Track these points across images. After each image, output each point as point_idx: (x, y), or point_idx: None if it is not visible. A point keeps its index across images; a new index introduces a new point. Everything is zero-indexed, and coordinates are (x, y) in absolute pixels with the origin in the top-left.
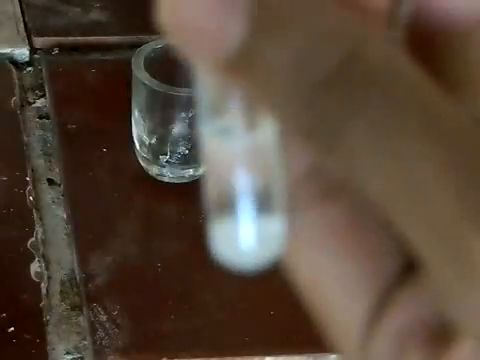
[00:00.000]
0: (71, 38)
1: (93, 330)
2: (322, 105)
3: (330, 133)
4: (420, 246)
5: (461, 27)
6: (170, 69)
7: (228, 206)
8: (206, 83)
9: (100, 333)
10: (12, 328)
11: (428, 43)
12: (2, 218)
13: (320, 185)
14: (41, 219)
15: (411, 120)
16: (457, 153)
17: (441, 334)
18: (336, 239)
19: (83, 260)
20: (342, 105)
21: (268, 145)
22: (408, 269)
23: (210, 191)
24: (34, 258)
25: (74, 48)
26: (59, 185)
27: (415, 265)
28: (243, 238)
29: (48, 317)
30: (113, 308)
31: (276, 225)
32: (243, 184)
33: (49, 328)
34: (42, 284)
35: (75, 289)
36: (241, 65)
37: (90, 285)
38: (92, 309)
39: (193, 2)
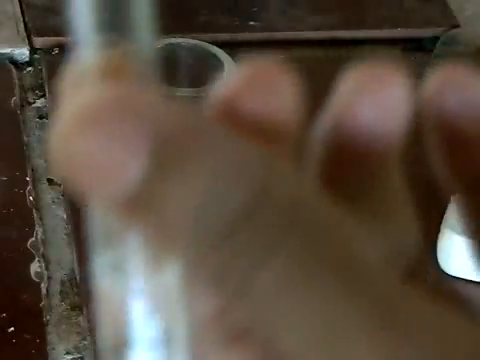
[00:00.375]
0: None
1: (93, 330)
2: (229, 251)
3: (238, 280)
4: None
5: (379, 146)
6: (170, 69)
7: (124, 349)
8: (101, 215)
9: None
10: (12, 328)
11: (347, 166)
12: (2, 218)
13: (226, 329)
14: (41, 219)
15: (322, 268)
16: (369, 301)
17: None
18: None
19: (83, 260)
20: (250, 251)
21: (168, 287)
22: None
23: (104, 331)
24: (34, 258)
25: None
26: (59, 185)
27: None
28: None
29: (48, 317)
30: None
31: None
32: (139, 326)
33: (49, 328)
34: (42, 284)
35: (75, 289)
36: (139, 205)
37: (90, 285)
38: (92, 309)
39: (88, 133)
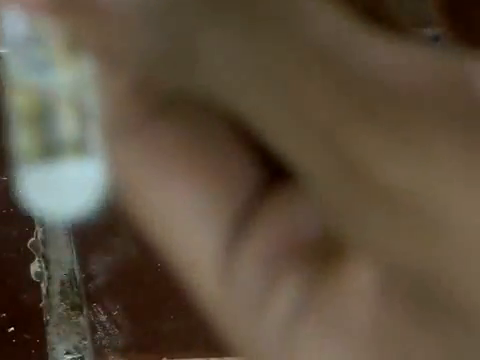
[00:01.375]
0: None
1: (93, 330)
2: (175, 22)
3: (187, 52)
4: (299, 157)
5: None
6: None
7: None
8: (17, 17)
9: (100, 333)
10: (12, 328)
11: None
12: (2, 218)
13: (147, 103)
14: (41, 219)
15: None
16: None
17: (322, 250)
18: (177, 159)
19: (83, 260)
20: (191, 20)
21: (83, 82)
22: (270, 183)
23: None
24: (34, 258)
25: None
26: None
27: (280, 178)
28: (56, 185)
29: (48, 317)
30: (113, 308)
31: (95, 168)
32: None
33: (49, 328)
34: (42, 284)
35: (75, 289)
36: (67, 5)
37: (90, 285)
38: (92, 309)
39: None
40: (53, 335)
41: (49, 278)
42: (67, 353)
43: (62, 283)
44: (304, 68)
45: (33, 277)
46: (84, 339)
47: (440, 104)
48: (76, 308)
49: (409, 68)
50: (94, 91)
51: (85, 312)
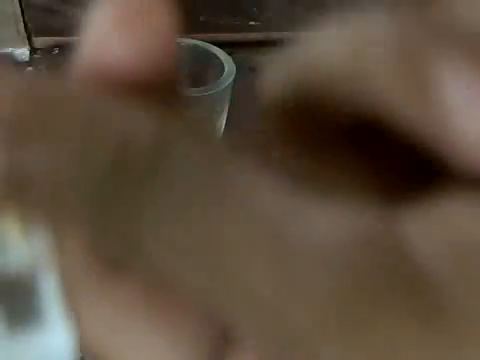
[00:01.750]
0: (71, 38)
1: None
2: (106, 208)
3: (126, 237)
4: (240, 321)
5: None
6: None
7: None
8: None
9: None
10: None
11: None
12: None
13: (102, 261)
14: None
15: (194, 192)
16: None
17: None
18: (138, 308)
19: None
20: (123, 199)
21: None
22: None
23: None
24: None
25: (74, 48)
26: None
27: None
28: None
29: None
30: None
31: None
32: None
33: None
34: None
35: None
36: (8, 184)
37: None
38: None
39: None
40: None
41: None
42: None
43: None
44: (245, 246)
45: None
46: None
47: (379, 278)
48: None
49: (345, 238)
50: (52, 260)
51: None
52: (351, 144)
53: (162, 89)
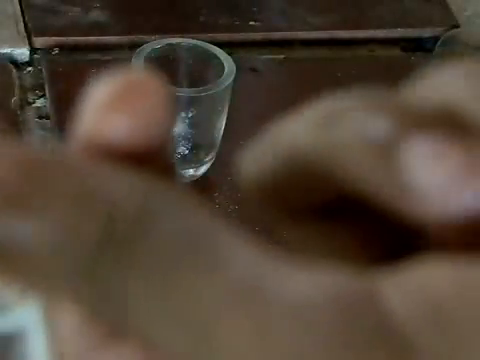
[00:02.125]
0: (71, 38)
1: None
2: (95, 276)
3: (114, 300)
4: None
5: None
6: (170, 69)
7: None
8: None
9: None
10: None
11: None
12: None
13: (100, 330)
14: None
15: (178, 264)
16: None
17: None
18: None
19: None
20: (114, 271)
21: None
22: None
23: None
24: None
25: (74, 48)
26: None
27: None
28: None
29: None
30: None
31: None
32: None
33: None
34: None
35: None
36: (1, 259)
37: None
38: None
39: None
40: None
41: None
42: None
43: None
44: (224, 310)
45: None
46: None
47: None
48: None
49: (323, 299)
50: (50, 327)
51: None
52: (333, 214)
53: (155, 162)
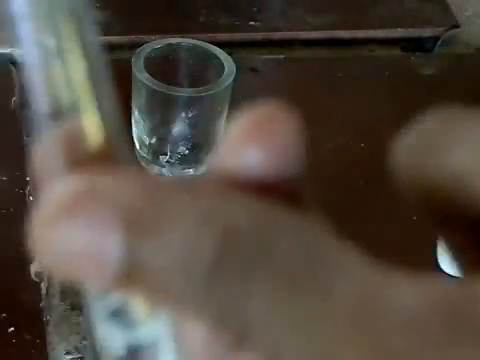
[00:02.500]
0: None
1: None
2: (218, 290)
3: (236, 313)
4: None
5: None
6: (170, 69)
7: None
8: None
9: None
10: (12, 328)
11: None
12: (2, 218)
13: (225, 338)
14: None
15: (299, 283)
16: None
17: None
18: None
19: None
20: (236, 286)
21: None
22: None
23: None
24: (34, 258)
25: None
26: None
27: None
28: None
29: (48, 317)
30: None
31: None
32: None
33: (49, 328)
34: (42, 284)
35: (75, 289)
36: (130, 276)
37: None
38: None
39: (64, 227)
40: (53, 335)
41: (49, 278)
42: (67, 353)
43: (62, 283)
44: (342, 327)
45: (33, 277)
46: (84, 339)
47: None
48: (76, 308)
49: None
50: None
51: (85, 312)
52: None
53: (284, 193)
